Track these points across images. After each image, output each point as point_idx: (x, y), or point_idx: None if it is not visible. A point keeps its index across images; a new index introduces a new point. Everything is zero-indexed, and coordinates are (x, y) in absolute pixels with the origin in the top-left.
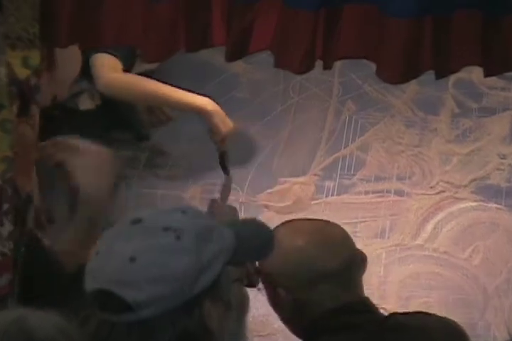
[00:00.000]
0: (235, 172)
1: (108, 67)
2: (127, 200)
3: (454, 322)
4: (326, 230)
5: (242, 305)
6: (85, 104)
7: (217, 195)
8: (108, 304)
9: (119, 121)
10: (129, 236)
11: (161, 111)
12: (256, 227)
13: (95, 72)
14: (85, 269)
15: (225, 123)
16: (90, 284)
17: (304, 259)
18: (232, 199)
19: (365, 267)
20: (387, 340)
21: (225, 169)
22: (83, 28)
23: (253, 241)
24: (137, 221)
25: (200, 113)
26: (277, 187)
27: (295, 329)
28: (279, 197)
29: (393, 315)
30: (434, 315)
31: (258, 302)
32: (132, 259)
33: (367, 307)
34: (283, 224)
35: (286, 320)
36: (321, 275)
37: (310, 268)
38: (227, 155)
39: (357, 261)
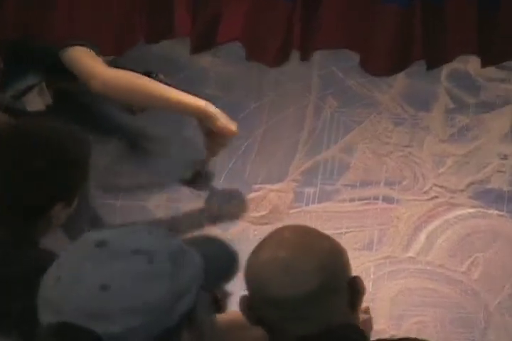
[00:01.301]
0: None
1: (97, 64)
2: (83, 212)
3: None
4: (308, 243)
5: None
6: (34, 104)
7: (185, 202)
8: (72, 339)
9: (74, 123)
10: (96, 261)
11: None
12: (220, 247)
13: (82, 70)
14: (39, 298)
15: (229, 126)
16: (49, 317)
17: (291, 275)
18: (199, 210)
19: (355, 291)
20: None
21: (204, 182)
22: (31, 19)
23: (219, 263)
24: (102, 243)
25: (203, 116)
26: (251, 195)
27: None
28: (253, 206)
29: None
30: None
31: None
32: (104, 288)
33: (348, 333)
34: (270, 235)
35: None
36: (311, 294)
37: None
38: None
39: (340, 280)
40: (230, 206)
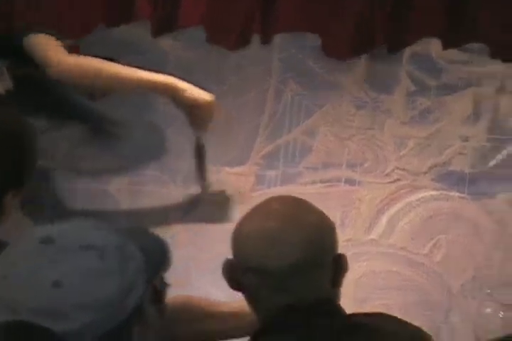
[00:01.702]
0: (167, 162)
1: (56, 51)
2: (45, 196)
3: (419, 328)
4: (297, 213)
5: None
6: None
7: (148, 186)
8: (28, 337)
9: (34, 107)
10: (45, 258)
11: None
12: (152, 239)
13: (44, 57)
14: None
15: (202, 96)
16: (2, 315)
17: (261, 241)
18: (164, 193)
19: (338, 268)
20: None
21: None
22: None
23: (154, 255)
24: (48, 240)
25: (174, 91)
26: (213, 178)
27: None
28: (215, 188)
29: (353, 316)
30: (397, 318)
31: None
32: (56, 284)
33: (328, 308)
34: (261, 204)
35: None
36: (292, 266)
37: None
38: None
39: (321, 262)
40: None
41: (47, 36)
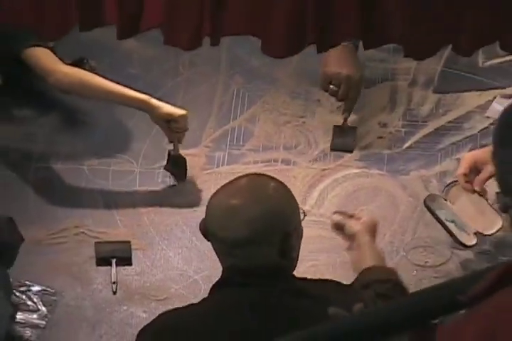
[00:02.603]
0: (130, 147)
1: (53, 62)
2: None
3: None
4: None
5: None
6: None
7: (113, 166)
8: None
9: (19, 99)
10: None
11: None
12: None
13: (42, 67)
14: None
15: (175, 110)
16: None
17: (229, 221)
18: (128, 171)
19: (285, 244)
20: (287, 303)
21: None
22: None
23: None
24: None
25: (149, 107)
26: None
27: None
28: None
29: (302, 279)
30: (343, 285)
31: (155, 268)
32: None
33: (274, 272)
34: (241, 177)
35: None
36: (241, 241)
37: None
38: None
39: (269, 237)
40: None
41: (44, 49)
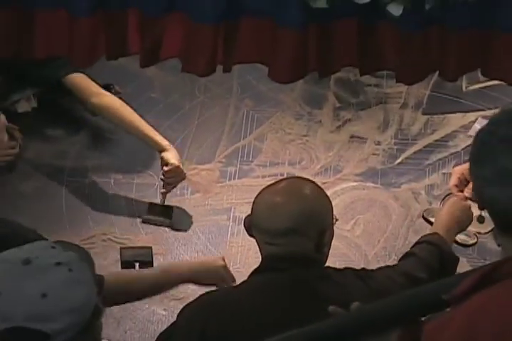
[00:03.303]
0: (152, 162)
1: (94, 86)
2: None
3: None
4: (304, 197)
5: None
6: (23, 107)
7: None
8: (20, 339)
9: (52, 120)
10: (30, 276)
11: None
12: (77, 248)
13: (84, 91)
14: None
15: (177, 166)
16: None
17: (274, 215)
18: (149, 184)
19: (320, 239)
20: (312, 287)
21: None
22: (17, 43)
23: (88, 260)
24: (27, 261)
25: (162, 150)
26: (188, 173)
27: None
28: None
29: (327, 268)
30: (352, 270)
31: None
32: (44, 295)
33: (307, 261)
34: (286, 180)
35: None
36: (283, 231)
37: (272, 223)
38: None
39: (306, 231)
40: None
41: (83, 75)
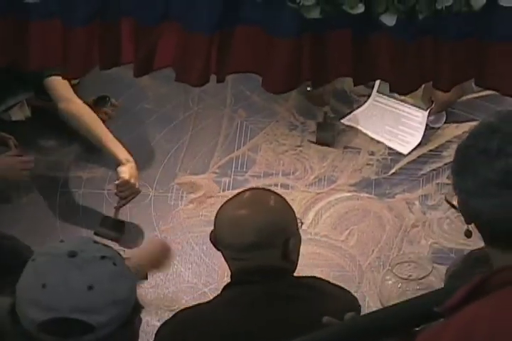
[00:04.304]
0: (145, 173)
1: (68, 91)
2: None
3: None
4: (266, 208)
5: None
6: (17, 115)
7: None
8: (66, 330)
9: (45, 131)
10: (77, 268)
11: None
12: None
13: (58, 94)
14: (27, 301)
15: (135, 177)
16: (40, 315)
17: (237, 229)
18: (143, 194)
19: (286, 248)
20: (285, 295)
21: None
22: (12, 53)
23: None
24: (73, 254)
25: (118, 163)
26: (182, 184)
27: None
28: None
29: (299, 278)
30: (333, 284)
31: (168, 282)
32: (90, 288)
33: (277, 272)
34: (246, 191)
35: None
36: (248, 246)
37: (239, 238)
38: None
39: (272, 242)
40: None
41: (63, 80)
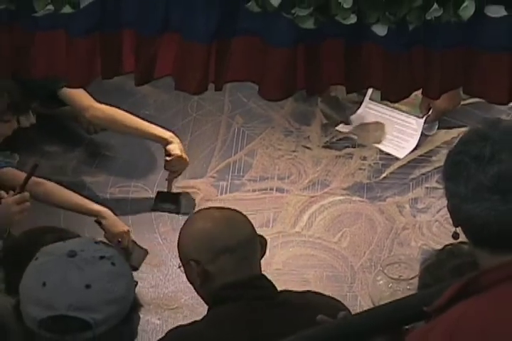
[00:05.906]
0: (146, 177)
1: (88, 99)
2: None
3: (336, 300)
4: (229, 216)
5: None
6: (23, 122)
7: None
8: (65, 327)
9: (50, 137)
10: (76, 267)
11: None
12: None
13: (79, 104)
14: (27, 298)
15: (181, 154)
16: (40, 312)
17: (207, 237)
18: (144, 198)
19: (263, 250)
20: (274, 314)
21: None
22: (16, 63)
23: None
24: (73, 253)
25: (167, 141)
26: (181, 188)
27: (204, 299)
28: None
29: (285, 291)
30: (321, 294)
31: (167, 282)
32: (88, 286)
33: (261, 283)
34: (198, 211)
35: (197, 290)
36: (221, 250)
37: (212, 243)
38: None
39: (254, 243)
40: None
41: (78, 89)
